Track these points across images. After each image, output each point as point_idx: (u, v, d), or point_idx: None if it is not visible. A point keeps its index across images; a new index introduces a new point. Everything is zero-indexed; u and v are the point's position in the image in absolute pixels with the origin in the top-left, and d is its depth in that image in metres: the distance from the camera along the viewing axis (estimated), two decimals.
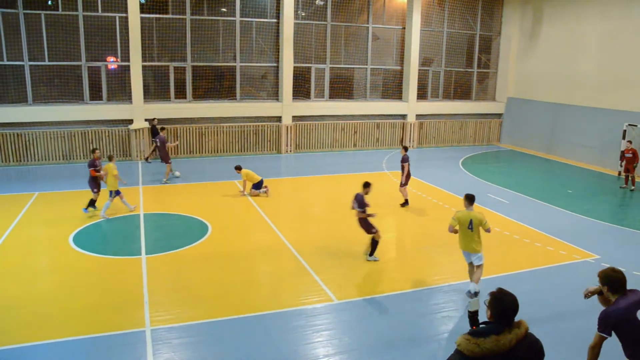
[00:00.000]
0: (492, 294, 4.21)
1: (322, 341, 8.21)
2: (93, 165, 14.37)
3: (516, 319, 4.17)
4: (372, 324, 8.80)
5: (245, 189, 16.67)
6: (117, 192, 14.42)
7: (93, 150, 14.82)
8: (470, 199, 9.93)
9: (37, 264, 11.23)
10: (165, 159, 18.32)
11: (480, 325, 4.18)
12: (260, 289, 10.26)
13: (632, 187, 18.79)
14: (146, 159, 21.48)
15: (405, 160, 15.65)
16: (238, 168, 16.94)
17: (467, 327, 8.74)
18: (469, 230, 9.55)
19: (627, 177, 19.01)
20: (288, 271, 11.00)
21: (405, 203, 15.90)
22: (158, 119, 21.38)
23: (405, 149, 15.96)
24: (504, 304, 4.10)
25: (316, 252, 12.07)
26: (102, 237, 12.99)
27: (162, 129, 19.95)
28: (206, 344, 8.06)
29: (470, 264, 9.89)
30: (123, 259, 11.41)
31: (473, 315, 4.91)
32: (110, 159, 14.76)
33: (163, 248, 12.01)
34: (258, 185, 16.64)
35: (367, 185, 11.55)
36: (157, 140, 18.70)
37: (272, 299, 9.65)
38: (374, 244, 11.42)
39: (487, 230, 9.54)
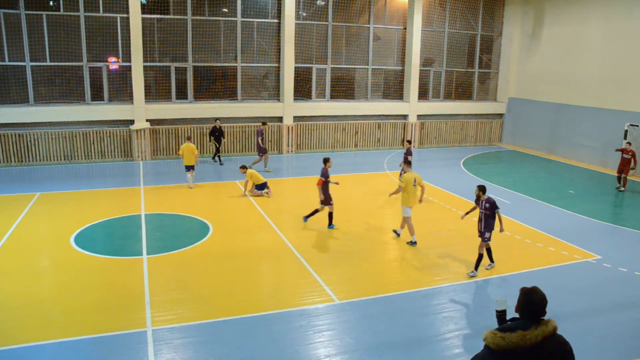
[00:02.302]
0: (522, 290, 4.26)
1: (323, 341, 8.22)
2: (325, 175, 13.52)
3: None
4: (373, 325, 8.80)
5: (247, 189, 16.67)
6: (192, 167, 17.23)
7: (326, 160, 13.77)
8: (409, 163, 13.42)
9: (39, 265, 11.19)
10: (261, 150, 19.74)
11: (509, 322, 4.23)
12: (261, 289, 10.26)
13: (622, 188, 18.72)
14: (217, 159, 21.74)
15: (410, 153, 16.84)
16: (243, 167, 16.95)
17: (467, 326, 8.88)
18: (414, 187, 12.54)
19: (619, 177, 18.86)
20: (289, 271, 11.00)
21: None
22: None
23: (409, 142, 17.34)
24: (530, 300, 4.15)
25: (318, 252, 12.07)
26: (103, 237, 12.94)
27: (264, 123, 20.41)
28: (208, 344, 8.05)
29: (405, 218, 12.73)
30: (124, 259, 11.39)
31: (501, 315, 4.95)
32: (189, 139, 17.66)
33: (164, 248, 11.99)
34: (261, 187, 16.64)
35: None
36: (259, 132, 19.96)
37: (274, 299, 9.65)
38: None
39: (423, 187, 12.82)
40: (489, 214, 10.74)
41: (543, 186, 19.10)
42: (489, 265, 11.33)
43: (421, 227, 14.12)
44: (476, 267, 10.89)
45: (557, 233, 13.65)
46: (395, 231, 13.33)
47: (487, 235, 10.82)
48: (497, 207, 10.76)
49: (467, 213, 11.62)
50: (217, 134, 21.24)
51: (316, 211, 13.82)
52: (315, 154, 24.15)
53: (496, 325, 4.78)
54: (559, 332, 4.14)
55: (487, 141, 28.32)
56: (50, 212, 14.62)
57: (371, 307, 9.43)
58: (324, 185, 13.43)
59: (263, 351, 7.88)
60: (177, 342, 8.09)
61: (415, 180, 12.57)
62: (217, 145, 21.35)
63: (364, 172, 19.99)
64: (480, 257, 10.92)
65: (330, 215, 13.80)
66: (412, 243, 12.72)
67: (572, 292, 10.23)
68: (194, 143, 21.33)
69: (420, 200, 12.99)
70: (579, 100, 23.76)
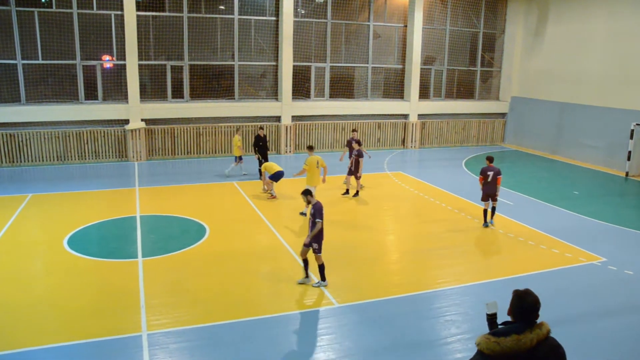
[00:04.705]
0: (515, 293, 4.21)
1: (322, 345, 8.11)
2: (493, 172, 13.75)
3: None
4: (373, 328, 8.68)
5: (265, 183, 16.44)
6: (240, 158, 18.77)
7: (489, 159, 14.01)
8: (311, 148, 15.01)
9: (31, 267, 11.00)
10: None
11: (500, 326, 4.19)
12: (259, 292, 10.02)
13: None
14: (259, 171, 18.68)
15: (361, 155, 16.60)
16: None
17: (469, 329, 8.71)
18: (317, 169, 14.27)
19: None
20: (288, 274, 10.77)
21: (356, 193, 16.88)
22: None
23: (359, 143, 17.00)
24: (523, 303, 4.12)
25: None
26: (97, 239, 12.74)
27: (354, 130, 19.02)
28: (204, 348, 7.92)
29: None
30: (119, 261, 11.19)
31: (491, 318, 4.93)
32: (237, 130, 19.79)
33: (160, 250, 11.81)
34: (275, 177, 16.09)
35: None
36: (353, 142, 18.08)
37: (272, 303, 9.52)
38: None
39: (325, 167, 14.65)
40: (312, 221, 9.86)
41: (547, 187, 18.85)
42: (304, 280, 10.19)
43: (422, 228, 14.06)
44: (322, 278, 10.03)
45: (561, 235, 13.45)
46: (301, 213, 14.52)
47: (314, 245, 9.83)
48: (318, 218, 9.74)
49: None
50: (260, 144, 18.66)
51: (494, 209, 14.10)
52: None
53: (487, 330, 4.71)
54: (562, 334, 4.19)
55: (489, 141, 28.05)
56: (43, 214, 14.36)
57: (371, 311, 9.30)
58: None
59: (261, 355, 7.77)
60: (173, 346, 7.95)
61: (317, 163, 14.25)
62: (260, 159, 18.48)
63: (363, 173, 19.59)
64: (321, 267, 9.99)
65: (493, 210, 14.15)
66: (303, 213, 14.46)
67: (576, 295, 10.07)
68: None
69: (324, 180, 14.92)
70: (584, 99, 23.47)
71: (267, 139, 20.42)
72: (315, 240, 9.83)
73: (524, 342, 3.93)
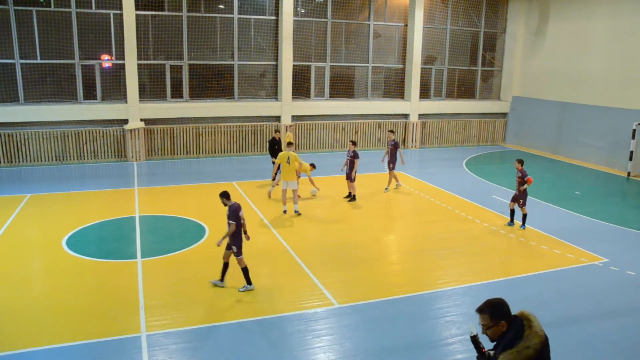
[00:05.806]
0: (491, 303, 4.28)
1: (322, 346, 8.05)
2: (524, 175, 13.69)
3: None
4: (373, 329, 8.62)
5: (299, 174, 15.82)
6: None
7: (519, 161, 13.89)
8: (289, 144, 14.92)
9: (30, 268, 10.93)
10: (392, 164, 17.51)
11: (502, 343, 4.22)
12: (259, 292, 9.92)
13: None
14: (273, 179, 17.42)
15: (357, 156, 16.00)
16: (313, 165, 16.98)
17: (469, 330, 8.48)
18: (287, 164, 14.38)
19: None
20: (288, 275, 10.72)
21: (354, 198, 16.28)
22: None
23: (354, 143, 16.32)
24: (504, 304, 4.25)
25: (316, 255, 11.84)
26: (96, 240, 12.64)
27: (392, 131, 18.17)
28: (204, 349, 7.86)
29: (286, 191, 14.67)
30: (118, 262, 11.10)
31: (475, 338, 4.86)
32: (289, 128, 19.88)
33: (159, 251, 11.71)
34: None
35: None
36: (392, 144, 17.43)
37: (272, 303, 9.44)
38: None
39: (300, 164, 14.69)
40: (230, 224, 9.52)
41: (548, 187, 18.72)
42: (217, 282, 9.94)
43: (422, 229, 13.97)
44: (248, 282, 9.82)
45: (563, 235, 13.37)
46: (296, 211, 14.61)
47: (233, 248, 9.57)
48: (232, 220, 9.40)
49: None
50: (276, 147, 17.89)
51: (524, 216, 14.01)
52: (314, 154, 23.70)
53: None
54: (563, 335, 4.53)
55: (490, 141, 27.92)
56: (42, 214, 14.26)
57: (371, 311, 9.25)
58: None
59: (261, 356, 7.72)
60: (172, 347, 7.92)
61: (288, 158, 14.44)
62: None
63: (364, 173, 19.53)
64: (244, 270, 9.71)
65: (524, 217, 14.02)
66: (298, 212, 14.57)
67: (578, 296, 10.00)
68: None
69: (298, 175, 14.99)
70: (585, 99, 23.35)
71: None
72: (234, 242, 9.56)
73: (540, 334, 4.01)
